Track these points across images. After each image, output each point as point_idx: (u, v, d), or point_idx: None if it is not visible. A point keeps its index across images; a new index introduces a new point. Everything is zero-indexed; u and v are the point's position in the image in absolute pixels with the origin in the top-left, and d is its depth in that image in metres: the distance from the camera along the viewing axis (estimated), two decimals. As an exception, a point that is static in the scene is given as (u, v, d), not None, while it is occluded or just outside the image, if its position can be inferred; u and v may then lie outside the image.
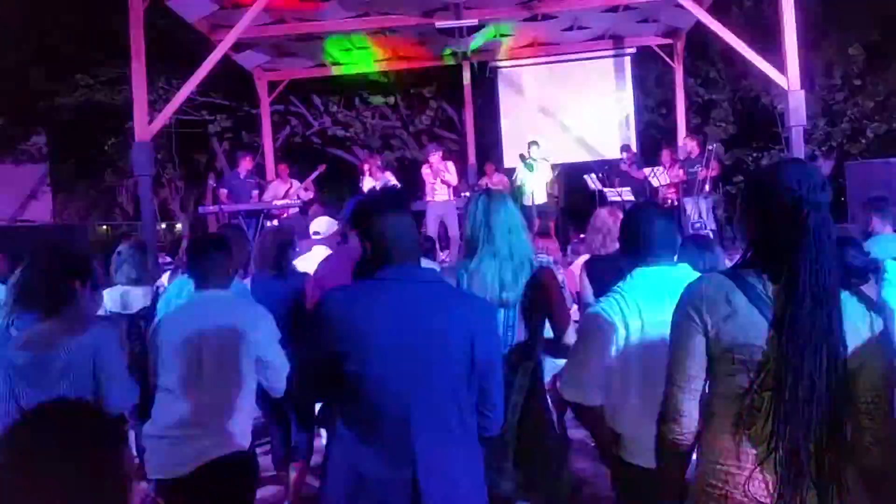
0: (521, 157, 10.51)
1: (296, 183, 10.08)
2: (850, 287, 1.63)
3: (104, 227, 19.87)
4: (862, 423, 1.59)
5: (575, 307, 3.86)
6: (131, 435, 3.32)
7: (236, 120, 16.23)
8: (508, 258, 2.70)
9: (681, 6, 8.72)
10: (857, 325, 1.58)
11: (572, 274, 4.27)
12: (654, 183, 10.06)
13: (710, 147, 9.73)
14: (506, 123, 12.58)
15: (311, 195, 10.24)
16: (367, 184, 9.94)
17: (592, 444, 3.87)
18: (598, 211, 4.17)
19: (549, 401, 3.07)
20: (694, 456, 1.74)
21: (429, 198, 9.48)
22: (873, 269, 2.92)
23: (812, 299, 1.53)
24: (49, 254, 2.62)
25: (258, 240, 4.50)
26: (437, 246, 7.60)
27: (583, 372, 2.30)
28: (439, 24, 9.71)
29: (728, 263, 2.48)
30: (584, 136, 12.31)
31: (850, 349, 1.55)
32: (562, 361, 2.58)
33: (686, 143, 10.25)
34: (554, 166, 10.86)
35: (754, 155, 14.86)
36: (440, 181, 9.40)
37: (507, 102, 12.61)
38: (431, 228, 9.16)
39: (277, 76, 12.23)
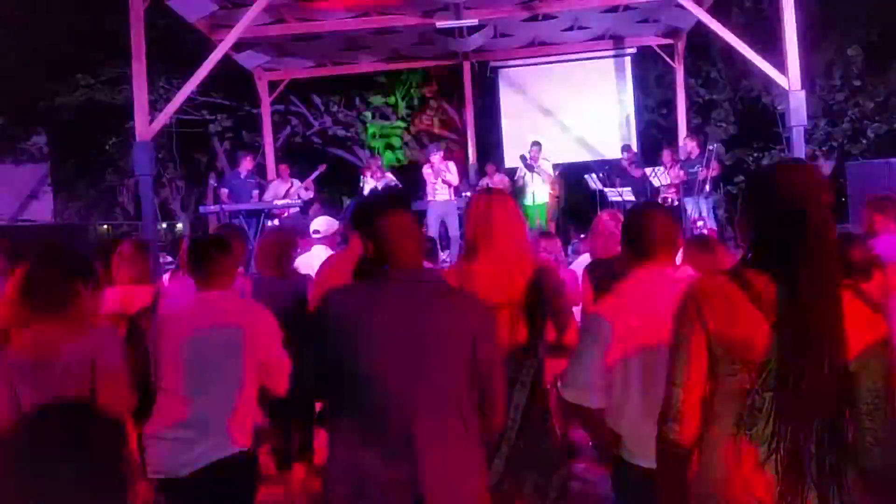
0: (522, 157, 10.50)
1: (296, 182, 10.09)
2: (851, 286, 1.63)
3: (105, 226, 19.86)
4: (863, 423, 1.58)
5: (576, 308, 3.85)
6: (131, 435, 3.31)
7: (237, 120, 16.25)
8: (509, 258, 2.70)
9: (681, 6, 8.70)
10: (859, 326, 1.58)
11: (574, 274, 4.27)
12: (655, 183, 10.05)
13: (711, 147, 9.72)
14: (506, 123, 12.58)
15: (311, 195, 10.26)
16: (368, 185, 9.95)
17: (592, 445, 3.87)
18: (600, 214, 4.21)
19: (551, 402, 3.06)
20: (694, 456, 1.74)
21: (430, 198, 9.48)
22: (877, 266, 2.92)
23: (813, 299, 1.53)
24: (50, 254, 2.62)
25: (260, 240, 4.50)
26: (438, 246, 7.60)
27: (584, 373, 2.30)
28: (439, 24, 9.70)
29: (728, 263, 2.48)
30: (584, 136, 12.32)
31: (851, 350, 1.55)
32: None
33: (686, 143, 10.24)
34: (555, 166, 10.87)
35: (755, 155, 14.88)
36: (441, 181, 9.40)
37: (508, 102, 12.60)
38: (432, 228, 9.18)
39: (278, 76, 12.22)
